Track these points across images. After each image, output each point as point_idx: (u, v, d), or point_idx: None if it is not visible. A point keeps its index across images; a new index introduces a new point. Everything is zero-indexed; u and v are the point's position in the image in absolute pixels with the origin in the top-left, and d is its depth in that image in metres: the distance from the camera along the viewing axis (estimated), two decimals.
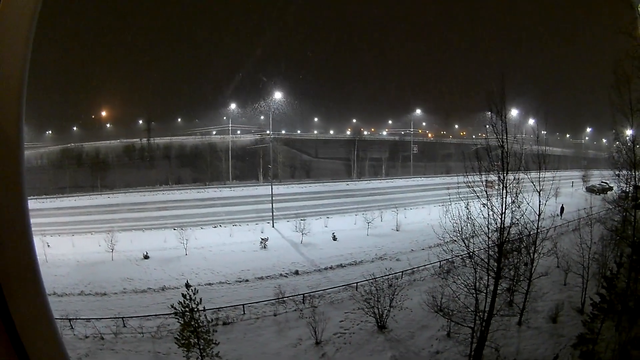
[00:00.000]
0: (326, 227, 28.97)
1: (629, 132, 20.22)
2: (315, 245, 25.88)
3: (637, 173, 19.41)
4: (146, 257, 23.17)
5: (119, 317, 17.32)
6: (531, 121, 33.87)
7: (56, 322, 1.38)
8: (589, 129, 57.68)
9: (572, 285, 19.44)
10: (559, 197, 28.23)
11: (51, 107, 36.71)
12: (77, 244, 24.05)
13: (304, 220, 26.99)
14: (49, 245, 22.29)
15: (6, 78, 1.19)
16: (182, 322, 14.68)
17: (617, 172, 19.92)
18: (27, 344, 1.21)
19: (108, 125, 43.44)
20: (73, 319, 16.91)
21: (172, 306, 14.86)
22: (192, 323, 14.63)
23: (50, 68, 32.05)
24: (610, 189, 34.30)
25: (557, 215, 19.27)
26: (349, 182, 43.46)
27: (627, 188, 20.03)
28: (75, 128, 41.72)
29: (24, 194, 1.25)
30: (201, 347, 14.38)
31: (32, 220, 1.29)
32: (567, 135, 60.02)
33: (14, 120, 1.21)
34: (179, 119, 50.12)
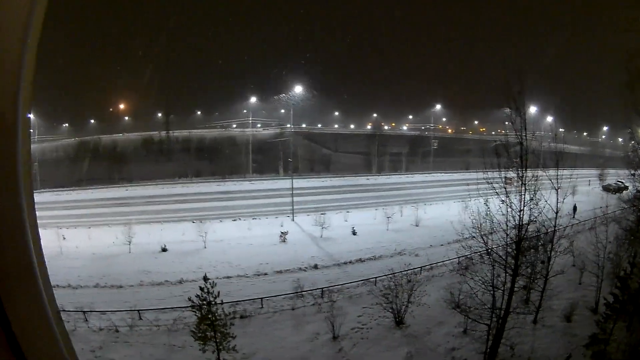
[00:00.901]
0: (346, 221, 28.86)
1: None
2: (335, 240, 25.86)
3: None
4: (164, 249, 23.17)
5: (134, 310, 17.30)
6: (549, 118, 33.90)
7: (61, 322, 1.34)
8: (605, 128, 57.54)
9: (587, 284, 19.40)
10: (575, 196, 28.11)
11: (69, 100, 36.94)
12: (93, 236, 24.09)
13: (323, 214, 27.05)
14: (64, 238, 22.41)
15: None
16: (199, 315, 14.73)
17: (632, 172, 19.88)
18: (24, 344, 1.17)
19: (126, 118, 43.35)
20: (87, 311, 16.97)
21: (190, 299, 14.95)
22: (209, 316, 14.67)
23: (68, 62, 32.24)
24: (626, 188, 34.12)
25: (570, 214, 19.23)
26: (369, 177, 43.35)
27: None
28: (92, 121, 41.75)
29: (22, 192, 1.19)
30: (217, 340, 14.40)
31: (48, 213, 1.22)
32: (584, 134, 59.88)
33: (10, 116, 1.13)
34: (199, 112, 49.97)
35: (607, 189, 41.26)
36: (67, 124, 42.36)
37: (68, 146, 40.39)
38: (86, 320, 16.98)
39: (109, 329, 16.85)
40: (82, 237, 23.99)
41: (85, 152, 38.12)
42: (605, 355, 16.37)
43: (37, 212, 1.29)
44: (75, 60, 35.53)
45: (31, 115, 1.28)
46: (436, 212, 31.35)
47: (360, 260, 22.88)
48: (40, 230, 1.30)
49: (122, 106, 40.94)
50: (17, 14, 1.13)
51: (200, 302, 14.80)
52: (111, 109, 41.24)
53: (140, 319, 17.30)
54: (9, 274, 1.16)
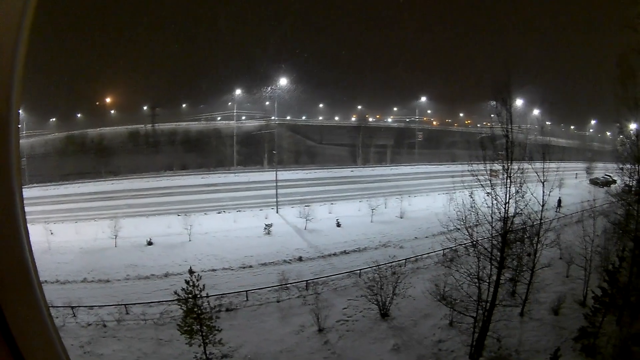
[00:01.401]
0: (330, 213, 28.86)
1: (633, 125, 20.23)
2: (320, 232, 25.84)
3: None
4: (150, 243, 23.13)
5: (122, 304, 17.33)
6: (536, 111, 33.92)
7: (51, 318, 1.33)
8: (593, 121, 57.68)
9: (575, 277, 19.46)
10: (562, 189, 28.05)
11: (56, 94, 36.81)
12: (80, 230, 24.08)
13: (308, 206, 27.02)
14: (52, 233, 22.32)
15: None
16: (185, 309, 14.68)
17: (621, 166, 19.89)
18: (22, 345, 1.18)
19: (112, 111, 43.44)
20: (75, 306, 16.96)
21: (176, 292, 14.89)
22: (195, 309, 14.59)
23: (54, 55, 32.04)
24: (614, 182, 34.16)
25: (555, 208, 18.95)
26: (353, 169, 43.36)
27: (631, 182, 20.03)
28: (79, 115, 41.80)
29: (15, 188, 1.19)
30: (204, 333, 14.34)
31: (36, 208, 1.21)
32: (572, 127, 60.03)
33: (3, 113, 1.13)
34: (184, 105, 50.11)
35: (594, 182, 41.21)
36: (54, 119, 42.36)
37: (55, 140, 40.28)
38: (74, 315, 16.97)
39: (97, 324, 16.84)
40: (70, 231, 23.92)
41: (72, 146, 38.08)
42: (594, 349, 16.42)
43: (25, 208, 1.28)
44: (61, 54, 35.41)
45: (20, 111, 1.28)
46: (421, 204, 31.44)
47: (345, 252, 22.86)
48: (28, 225, 1.29)
49: (108, 99, 40.97)
50: (10, 11, 1.13)
51: (186, 296, 14.75)
52: (98, 103, 41.31)
53: (128, 313, 17.34)
54: (5, 271, 1.16)
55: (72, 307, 16.96)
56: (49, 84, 32.96)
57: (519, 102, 28.84)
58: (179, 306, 14.94)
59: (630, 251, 19.47)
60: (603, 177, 41.68)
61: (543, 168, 16.39)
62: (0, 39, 1.11)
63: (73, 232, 24.05)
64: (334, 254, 22.57)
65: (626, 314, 18.01)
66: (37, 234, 20.82)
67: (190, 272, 14.81)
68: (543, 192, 16.55)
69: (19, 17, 1.14)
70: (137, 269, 20.13)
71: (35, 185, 31.29)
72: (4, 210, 1.16)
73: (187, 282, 14.65)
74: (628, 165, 19.82)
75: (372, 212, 28.24)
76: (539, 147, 16.74)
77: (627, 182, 20.02)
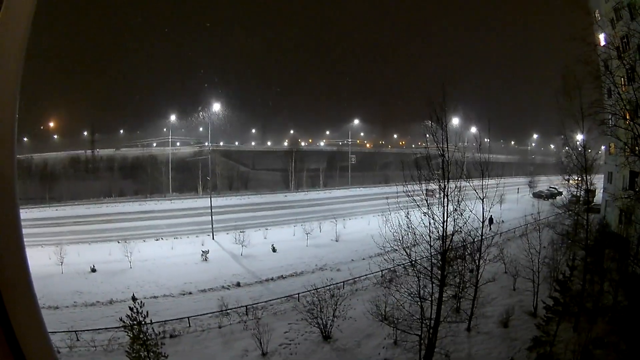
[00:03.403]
0: (265, 238, 29.18)
1: (579, 136, 20.56)
2: (255, 257, 26.04)
3: (588, 177, 19.76)
4: (93, 270, 23.13)
5: (72, 331, 17.22)
6: (473, 129, 34.35)
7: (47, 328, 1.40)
8: (535, 135, 58.46)
9: (522, 289, 19.64)
10: (503, 204, 28.31)
11: None
12: (29, 256, 23.44)
13: (243, 232, 27.23)
14: None
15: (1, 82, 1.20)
16: (131, 336, 14.60)
17: (566, 177, 20.19)
18: (24, 347, 1.23)
19: (55, 136, 43.39)
20: None
21: (121, 319, 14.79)
22: (141, 336, 14.53)
23: None
24: (560, 193, 34.39)
25: (487, 226, 18.51)
26: (287, 194, 43.72)
27: (578, 192, 20.33)
28: (25, 139, 41.51)
29: (17, 201, 1.26)
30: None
31: None
32: (512, 142, 60.93)
33: (8, 126, 1.20)
34: (122, 131, 50.55)
35: (538, 195, 41.56)
36: None
37: None
38: None
39: None
40: None
41: (19, 171, 37.18)
42: (552, 356, 16.58)
43: None
44: None
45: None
46: (356, 227, 31.76)
47: (282, 277, 22.93)
48: None
49: (51, 124, 40.77)
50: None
51: (131, 323, 14.68)
52: (42, 127, 41.24)
53: (78, 339, 17.20)
54: (8, 281, 1.23)
55: None
56: None
57: (455, 121, 29.15)
58: (126, 333, 14.86)
59: (581, 259, 19.80)
60: (548, 189, 41.93)
61: (482, 185, 16.53)
62: (5, 46, 1.19)
63: None
64: (272, 279, 22.59)
65: (583, 320, 18.27)
66: None
67: (134, 299, 14.71)
68: (483, 208, 16.70)
69: (25, 28, 1.24)
70: (83, 295, 19.99)
71: None
72: (4, 211, 1.20)
73: (131, 309, 14.58)
74: (575, 177, 20.14)
75: (307, 236, 28.55)
76: (477, 164, 16.82)
77: (574, 193, 20.31)
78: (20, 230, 1.29)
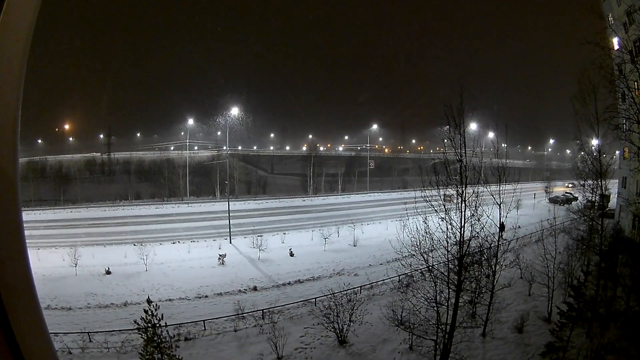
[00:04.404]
0: (283, 243, 29.04)
1: (594, 141, 20.41)
2: (273, 261, 25.89)
3: (603, 182, 19.61)
4: (108, 272, 23.14)
5: (84, 332, 17.22)
6: (491, 134, 34.22)
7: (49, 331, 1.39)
8: (551, 141, 58.00)
9: (537, 295, 19.53)
10: (520, 210, 28.05)
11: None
12: (42, 258, 23.63)
13: (260, 236, 27.04)
14: None
15: (4, 83, 1.20)
16: (145, 338, 14.60)
17: (582, 182, 20.03)
18: (24, 349, 1.22)
19: (71, 139, 43.54)
20: None
21: (135, 322, 14.80)
22: (155, 339, 14.54)
23: None
24: (575, 199, 34.20)
25: (514, 228, 18.06)
26: (305, 198, 43.47)
27: (593, 197, 20.16)
28: (40, 141, 41.70)
29: (20, 202, 1.25)
30: None
31: None
32: (529, 148, 60.49)
33: (11, 127, 1.19)
34: (139, 134, 50.59)
35: (554, 200, 41.29)
36: None
37: None
38: None
39: (63, 351, 16.66)
40: (33, 258, 23.18)
41: (32, 173, 37.65)
42: None
43: None
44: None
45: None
46: (374, 232, 31.61)
47: (299, 281, 22.85)
48: None
49: (67, 126, 40.87)
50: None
51: (146, 325, 14.69)
52: (57, 129, 41.35)
53: (91, 341, 17.24)
54: (9, 284, 1.21)
55: None
56: None
57: (473, 126, 29.06)
58: (140, 335, 14.88)
59: (595, 265, 19.66)
60: (563, 195, 41.66)
61: (499, 190, 16.43)
62: (7, 47, 1.19)
63: (36, 259, 23.49)
64: (288, 283, 22.54)
65: (595, 326, 18.14)
66: None
67: (149, 301, 14.74)
68: (500, 214, 16.60)
69: (28, 30, 1.24)
70: (97, 297, 20.02)
71: None
72: (6, 212, 1.19)
73: (145, 312, 14.57)
74: (590, 182, 19.97)
75: (325, 241, 28.46)
76: (494, 170, 16.71)
77: (589, 198, 20.15)
78: (23, 231, 1.26)
